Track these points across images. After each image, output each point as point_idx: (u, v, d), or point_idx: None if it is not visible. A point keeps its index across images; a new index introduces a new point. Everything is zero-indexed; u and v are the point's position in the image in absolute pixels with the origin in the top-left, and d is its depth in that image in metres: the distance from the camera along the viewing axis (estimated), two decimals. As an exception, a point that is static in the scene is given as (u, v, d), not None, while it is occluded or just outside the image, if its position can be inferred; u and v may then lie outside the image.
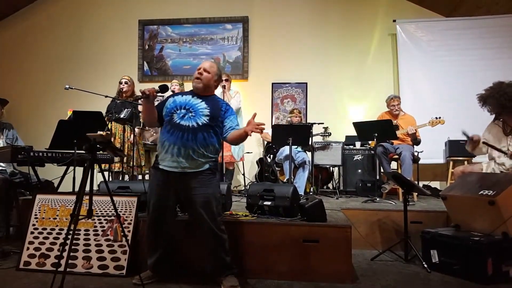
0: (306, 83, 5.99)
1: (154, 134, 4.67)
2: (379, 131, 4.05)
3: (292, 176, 4.16)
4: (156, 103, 2.48)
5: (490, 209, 2.58)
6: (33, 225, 2.77)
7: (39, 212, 2.81)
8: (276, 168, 4.93)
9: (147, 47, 6.38)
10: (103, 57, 6.35)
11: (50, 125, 3.45)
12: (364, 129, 4.21)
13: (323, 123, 5.21)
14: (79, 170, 2.75)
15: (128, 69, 5.97)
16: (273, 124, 5.64)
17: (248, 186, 4.60)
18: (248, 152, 5.19)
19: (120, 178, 4.01)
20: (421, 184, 4.97)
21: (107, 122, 3.80)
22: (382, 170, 4.27)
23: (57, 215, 2.79)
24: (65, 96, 5.28)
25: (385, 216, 3.38)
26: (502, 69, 5.15)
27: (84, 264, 2.59)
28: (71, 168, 3.27)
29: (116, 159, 3.86)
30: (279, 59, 6.08)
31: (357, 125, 4.27)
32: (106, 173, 3.65)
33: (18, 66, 6.55)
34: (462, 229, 2.85)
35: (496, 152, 3.15)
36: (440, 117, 4.26)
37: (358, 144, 5.19)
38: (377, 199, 3.98)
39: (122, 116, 3.94)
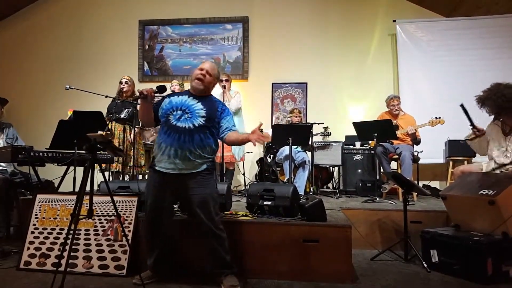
0: (306, 83, 5.99)
1: (154, 134, 4.67)
2: (379, 131, 4.05)
3: (292, 176, 4.16)
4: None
5: (490, 209, 2.58)
6: (34, 225, 2.78)
7: (40, 212, 2.82)
8: (276, 168, 4.94)
9: (147, 47, 6.38)
10: (103, 57, 6.35)
11: (50, 125, 3.46)
12: (364, 129, 4.22)
13: (323, 123, 5.21)
14: (80, 170, 2.76)
15: (128, 69, 5.96)
16: (273, 124, 5.65)
17: (248, 186, 4.59)
18: (248, 152, 5.19)
19: (120, 178, 4.01)
20: (421, 184, 4.97)
21: (107, 122, 3.80)
22: (382, 170, 4.27)
23: (58, 215, 2.80)
24: (65, 96, 5.28)
25: (385, 216, 3.39)
26: (502, 69, 5.15)
27: (85, 264, 2.60)
28: (72, 168, 3.28)
29: (116, 159, 3.87)
30: (279, 59, 6.08)
31: (357, 125, 4.28)
32: (106, 173, 3.65)
33: (18, 66, 6.55)
34: (462, 229, 2.85)
35: (495, 152, 3.15)
36: (440, 117, 4.26)
37: (358, 144, 5.19)
38: (377, 199, 3.98)
39: (122, 116, 3.96)
